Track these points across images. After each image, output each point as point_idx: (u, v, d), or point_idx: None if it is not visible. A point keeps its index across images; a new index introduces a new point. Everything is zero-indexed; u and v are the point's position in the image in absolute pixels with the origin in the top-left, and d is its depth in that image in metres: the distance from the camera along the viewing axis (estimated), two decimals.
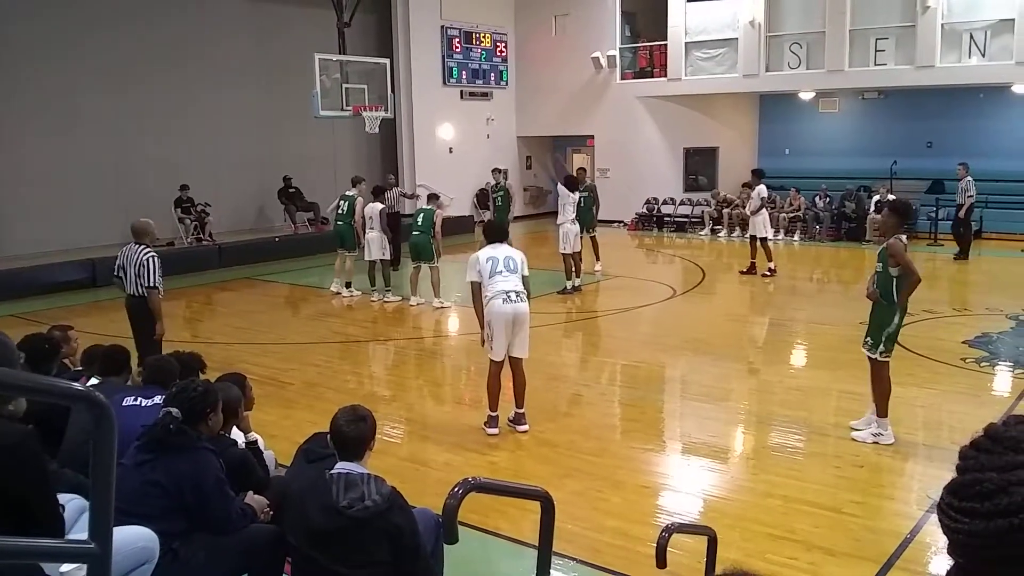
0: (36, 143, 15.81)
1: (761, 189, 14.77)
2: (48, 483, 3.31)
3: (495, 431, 7.29)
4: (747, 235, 15.83)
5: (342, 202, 13.74)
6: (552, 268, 13.73)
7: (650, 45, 22.25)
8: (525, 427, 7.35)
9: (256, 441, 4.85)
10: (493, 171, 17.75)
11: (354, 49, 17.83)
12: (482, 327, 7.16)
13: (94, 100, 16.48)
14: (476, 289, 7.10)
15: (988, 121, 19.07)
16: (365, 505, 3.34)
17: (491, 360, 7.23)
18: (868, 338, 6.82)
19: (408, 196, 18.19)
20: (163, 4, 17.35)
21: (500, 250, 7.21)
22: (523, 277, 7.19)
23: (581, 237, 13.83)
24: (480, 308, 7.12)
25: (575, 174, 15.36)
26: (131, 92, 16.92)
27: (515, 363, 7.28)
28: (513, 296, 7.02)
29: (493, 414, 7.31)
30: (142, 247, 7.95)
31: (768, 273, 14.71)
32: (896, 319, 6.66)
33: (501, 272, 7.04)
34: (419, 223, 12.76)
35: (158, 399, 4.32)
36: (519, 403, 7.38)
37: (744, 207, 17.21)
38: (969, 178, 16.27)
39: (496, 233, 7.55)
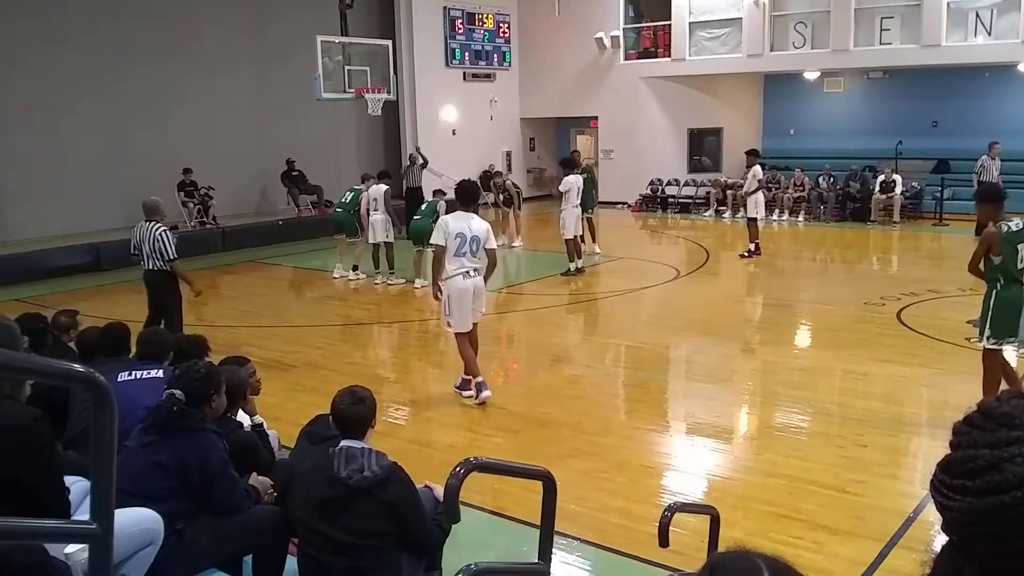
0: (37, 128, 15.77)
1: (756, 170, 14.75)
2: (55, 466, 3.32)
3: (487, 393, 7.51)
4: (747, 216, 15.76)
5: (348, 193, 13.87)
6: (554, 250, 13.72)
7: (654, 25, 22.10)
8: (471, 393, 7.66)
9: (261, 424, 4.86)
10: (495, 173, 17.69)
11: (356, 31, 17.75)
12: (435, 286, 7.56)
13: (96, 84, 16.42)
14: (440, 253, 7.35)
15: (993, 100, 18.92)
16: (364, 475, 3.42)
17: (456, 333, 7.55)
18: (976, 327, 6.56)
19: (424, 165, 18.39)
20: None
21: (468, 223, 7.36)
22: (488, 250, 7.46)
23: (582, 220, 13.92)
24: (439, 271, 7.46)
25: (570, 155, 15.47)
26: (133, 75, 16.87)
27: (472, 328, 7.62)
28: (472, 272, 7.38)
29: (478, 380, 7.56)
30: (153, 223, 8.41)
31: (747, 253, 14.71)
32: (990, 303, 6.31)
33: (466, 254, 7.32)
34: (423, 210, 12.93)
35: (155, 372, 4.31)
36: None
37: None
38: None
39: (468, 197, 7.68)
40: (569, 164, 13.94)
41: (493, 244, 7.53)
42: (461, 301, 7.37)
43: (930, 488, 1.10)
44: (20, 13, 15.40)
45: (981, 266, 6.34)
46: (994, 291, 6.28)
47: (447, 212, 12.82)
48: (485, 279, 7.57)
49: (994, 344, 6.34)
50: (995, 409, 1.09)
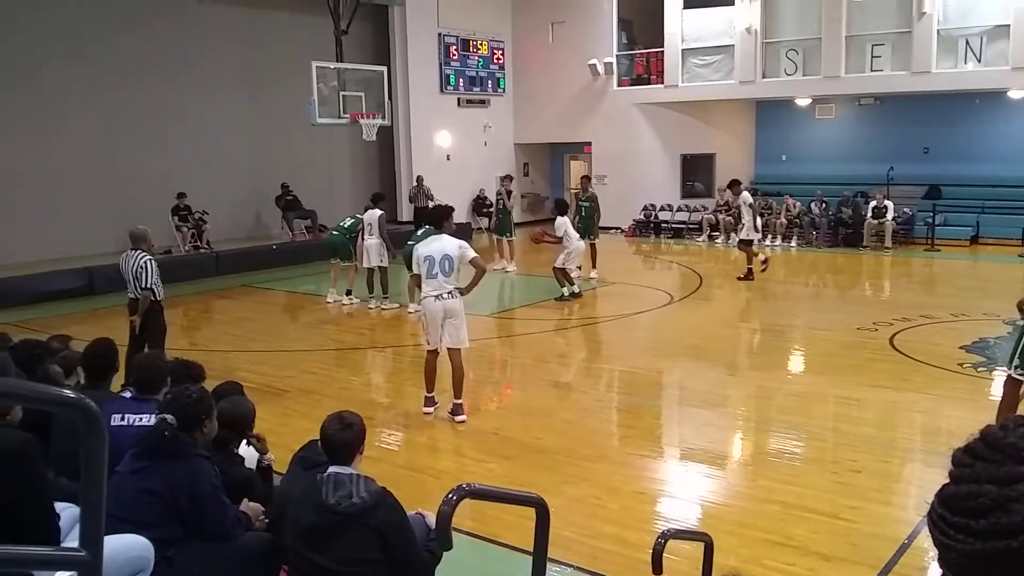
0: (30, 150, 15.78)
1: (746, 196, 14.84)
2: (45, 491, 3.30)
3: (430, 410, 7.84)
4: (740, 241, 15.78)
5: (348, 219, 13.77)
6: (548, 275, 13.73)
7: (647, 52, 22.28)
8: (463, 417, 7.71)
9: (271, 464, 4.81)
10: (504, 178, 17.66)
11: (351, 57, 17.83)
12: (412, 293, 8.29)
13: (90, 107, 16.48)
14: (417, 280, 7.92)
15: (984, 126, 19.08)
16: (353, 502, 3.40)
17: (427, 350, 7.82)
18: None
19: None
20: (160, 11, 17.35)
21: (438, 245, 7.58)
22: (471, 262, 7.64)
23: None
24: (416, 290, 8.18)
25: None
26: (127, 99, 16.93)
27: (452, 354, 7.69)
28: (444, 295, 7.51)
29: (429, 395, 7.88)
30: (139, 252, 8.32)
31: (745, 276, 14.78)
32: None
33: (436, 276, 7.50)
34: (418, 236, 12.86)
35: (148, 419, 4.19)
36: (457, 394, 7.77)
37: (733, 215, 17.09)
38: None
39: (436, 219, 8.03)
40: (559, 206, 14.08)
41: (472, 254, 7.65)
42: (430, 320, 7.62)
43: (928, 522, 1.02)
44: (12, 33, 15.46)
45: None
46: None
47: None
48: (471, 286, 7.67)
49: (1020, 374, 6.13)
50: (1001, 440, 0.99)
